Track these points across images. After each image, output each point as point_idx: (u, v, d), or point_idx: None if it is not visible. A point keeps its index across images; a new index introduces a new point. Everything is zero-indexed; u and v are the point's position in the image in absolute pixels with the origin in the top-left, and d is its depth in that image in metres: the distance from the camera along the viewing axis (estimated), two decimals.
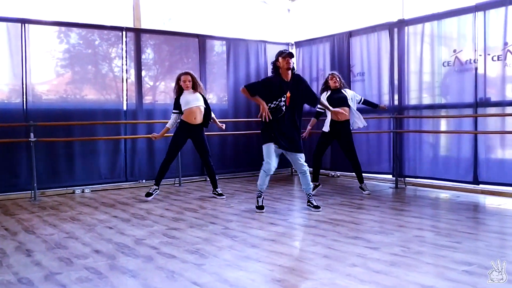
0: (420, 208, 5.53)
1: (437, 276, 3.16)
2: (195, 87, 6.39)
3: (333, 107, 6.15)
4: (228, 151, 8.63)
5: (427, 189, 6.97)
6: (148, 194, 6.42)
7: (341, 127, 6.52)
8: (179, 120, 6.42)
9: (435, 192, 6.68)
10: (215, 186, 6.62)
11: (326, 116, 6.68)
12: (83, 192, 7.17)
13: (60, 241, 4.29)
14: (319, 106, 6.15)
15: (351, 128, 6.60)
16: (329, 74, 6.68)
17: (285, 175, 9.03)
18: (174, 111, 6.43)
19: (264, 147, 5.36)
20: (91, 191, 7.25)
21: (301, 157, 5.41)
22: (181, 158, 7.64)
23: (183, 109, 6.32)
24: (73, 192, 7.11)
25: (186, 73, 6.39)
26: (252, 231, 4.56)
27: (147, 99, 7.97)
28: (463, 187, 6.62)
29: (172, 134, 6.50)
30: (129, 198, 6.65)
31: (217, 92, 8.76)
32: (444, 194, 6.50)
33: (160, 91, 8.20)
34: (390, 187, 7.16)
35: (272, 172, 5.40)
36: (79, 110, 7.24)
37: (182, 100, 6.35)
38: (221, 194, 6.54)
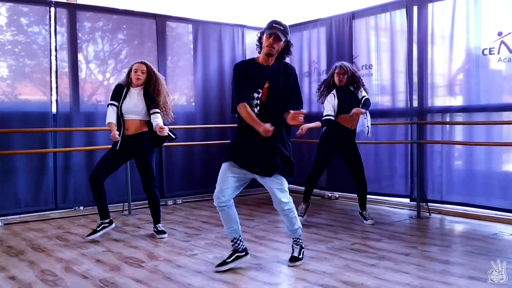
0: (470, 258, 3.75)
1: None
2: (149, 84, 4.58)
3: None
4: (196, 166, 6.76)
5: (460, 219, 5.24)
6: (93, 232, 4.60)
7: (350, 136, 4.94)
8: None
9: (473, 225, 4.95)
10: (156, 221, 4.77)
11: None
12: None
13: None
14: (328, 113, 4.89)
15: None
16: (335, 66, 4.97)
17: (267, 196, 7.14)
18: (111, 102, 4.56)
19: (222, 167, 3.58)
20: (4, 224, 5.28)
21: (280, 184, 3.52)
22: (130, 176, 5.74)
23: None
24: None
25: (142, 62, 4.61)
26: None
27: (87, 98, 6.06)
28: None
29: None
30: (52, 237, 4.71)
31: (181, 90, 6.87)
32: (488, 229, 4.75)
33: (105, 90, 6.23)
34: (410, 216, 5.39)
35: (222, 205, 3.54)
36: None
37: (125, 99, 4.54)
38: (161, 232, 4.69)
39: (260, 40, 3.53)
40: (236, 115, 3.53)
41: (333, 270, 3.51)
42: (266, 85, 3.46)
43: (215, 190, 3.55)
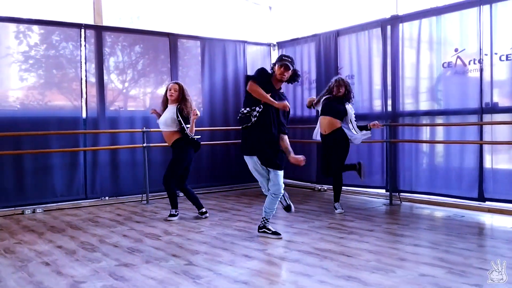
0: (421, 233, 4.72)
1: None
2: (183, 102, 5.56)
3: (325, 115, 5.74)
4: (203, 163, 7.75)
5: (425, 206, 6.18)
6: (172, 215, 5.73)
7: (331, 138, 5.79)
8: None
9: (435, 210, 5.90)
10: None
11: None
12: (34, 212, 6.24)
13: None
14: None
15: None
16: (336, 79, 5.80)
17: None
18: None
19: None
20: (44, 211, 6.33)
21: (278, 172, 4.52)
22: (148, 172, 6.75)
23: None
24: (22, 213, 6.17)
25: (175, 82, 5.66)
26: (221, 267, 3.71)
27: (112, 105, 7.08)
28: (467, 204, 5.85)
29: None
30: (85, 220, 5.74)
31: (191, 97, 7.83)
32: (445, 213, 5.70)
33: (127, 97, 7.30)
34: (384, 204, 6.35)
35: (265, 193, 4.73)
36: (31, 118, 6.33)
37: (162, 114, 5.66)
38: (204, 213, 5.80)
39: (273, 68, 4.52)
40: (244, 112, 4.43)
41: (309, 241, 4.48)
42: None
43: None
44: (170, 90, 5.53)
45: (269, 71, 4.56)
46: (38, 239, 4.79)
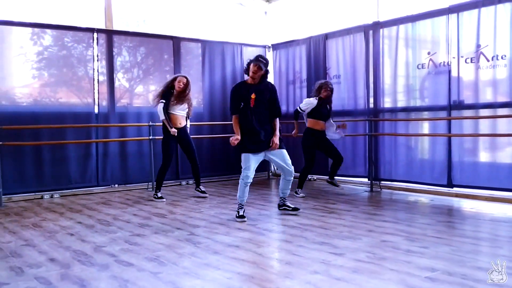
0: (392, 212, 5.45)
1: (399, 283, 3.07)
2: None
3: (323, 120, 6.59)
4: (204, 154, 8.47)
5: (402, 192, 6.90)
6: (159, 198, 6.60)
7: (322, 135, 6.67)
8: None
9: (410, 196, 6.62)
10: (198, 184, 6.80)
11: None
12: (52, 197, 6.97)
13: (16, 249, 4.12)
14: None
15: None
16: (325, 83, 6.58)
17: (261, 179, 8.89)
18: (162, 100, 6.40)
19: (243, 155, 5.17)
20: (61, 196, 7.06)
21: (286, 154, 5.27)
22: (154, 162, 7.47)
23: (169, 110, 6.43)
24: (42, 198, 6.91)
25: (184, 76, 6.60)
26: (218, 237, 4.43)
27: (120, 102, 7.79)
28: (438, 190, 6.56)
29: (162, 140, 6.57)
30: (99, 203, 6.47)
31: (192, 94, 8.53)
32: (418, 198, 6.43)
33: (134, 94, 8.03)
34: (365, 191, 7.08)
35: (250, 181, 5.18)
36: (48, 113, 7.03)
37: (173, 100, 6.45)
38: (204, 192, 6.77)
39: (248, 66, 5.11)
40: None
41: (295, 218, 5.20)
42: (253, 96, 5.11)
43: (244, 174, 5.13)
44: (179, 82, 6.43)
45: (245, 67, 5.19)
46: (60, 217, 5.52)
